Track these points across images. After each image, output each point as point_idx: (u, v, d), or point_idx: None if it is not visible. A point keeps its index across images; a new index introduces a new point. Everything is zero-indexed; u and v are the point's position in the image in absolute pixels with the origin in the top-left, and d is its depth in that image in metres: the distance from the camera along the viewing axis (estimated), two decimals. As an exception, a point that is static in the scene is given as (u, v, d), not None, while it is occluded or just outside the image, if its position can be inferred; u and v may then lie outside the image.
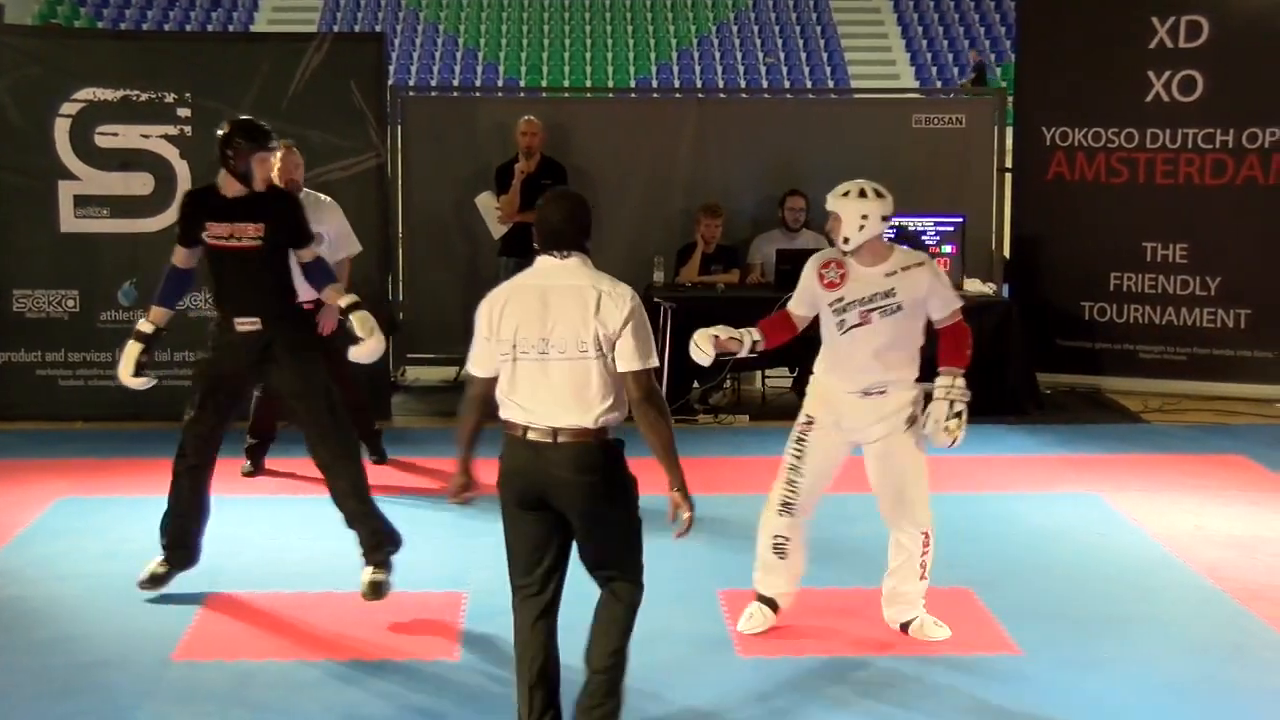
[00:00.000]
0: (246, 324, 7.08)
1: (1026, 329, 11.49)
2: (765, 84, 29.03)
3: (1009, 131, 12.72)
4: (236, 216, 7.05)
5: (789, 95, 23.21)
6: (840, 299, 6.54)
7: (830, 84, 29.40)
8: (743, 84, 28.56)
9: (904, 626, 6.81)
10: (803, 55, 30.47)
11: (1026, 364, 11.53)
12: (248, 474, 9.36)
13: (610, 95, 22.12)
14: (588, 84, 28.41)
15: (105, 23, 28.53)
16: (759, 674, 6.39)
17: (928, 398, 6.64)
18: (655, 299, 11.05)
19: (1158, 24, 12.07)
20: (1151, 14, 12.09)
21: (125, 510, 8.60)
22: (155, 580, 7.17)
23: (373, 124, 10.88)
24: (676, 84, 28.40)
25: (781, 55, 30.26)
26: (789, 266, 11.11)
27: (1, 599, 7.16)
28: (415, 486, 9.18)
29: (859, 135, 12.18)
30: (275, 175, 9.17)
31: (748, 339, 6.87)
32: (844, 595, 7.28)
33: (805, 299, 6.75)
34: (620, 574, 5.42)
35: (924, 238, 11.35)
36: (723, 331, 6.81)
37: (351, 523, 7.25)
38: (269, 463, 9.49)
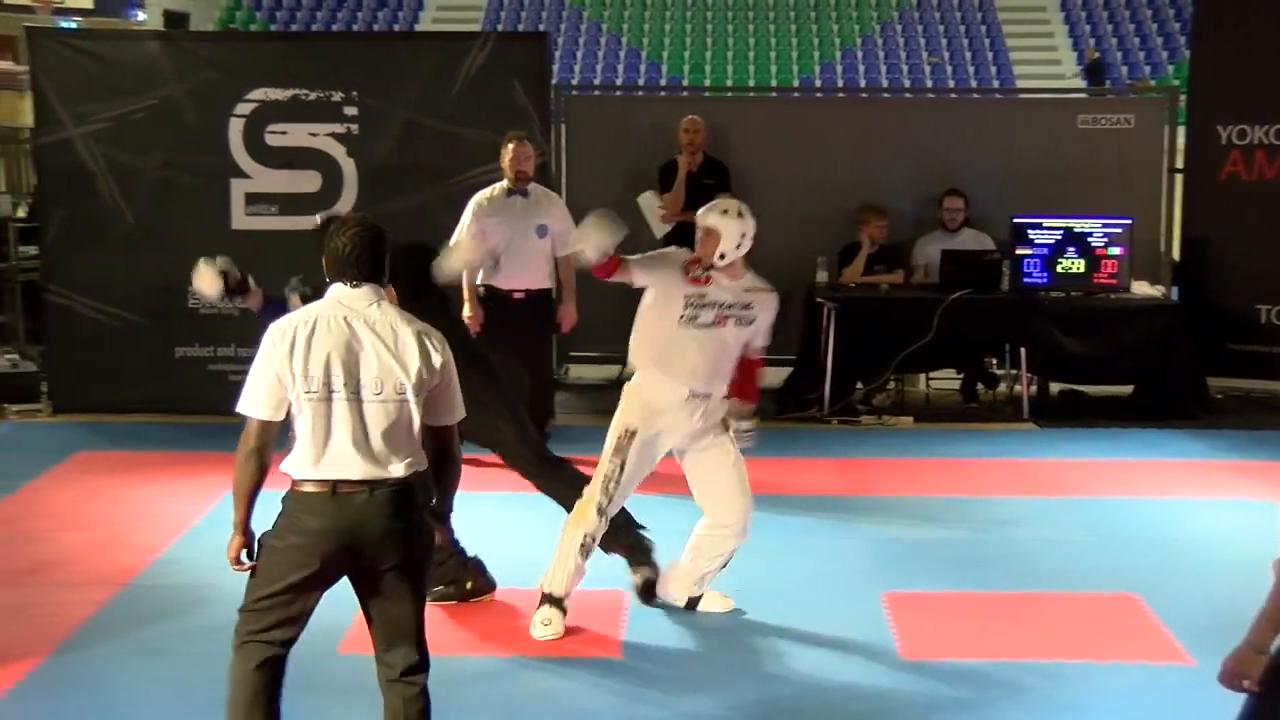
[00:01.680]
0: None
1: (1196, 332, 11.23)
2: (928, 84, 28.75)
3: (1180, 131, 12.43)
4: None
5: (952, 95, 22.95)
6: (702, 295, 6.61)
7: (994, 84, 29.04)
8: (906, 84, 28.31)
9: (691, 603, 7.04)
10: (967, 55, 30.14)
11: (1195, 368, 11.28)
12: None
13: (773, 95, 22.04)
14: (750, 83, 28.34)
15: (278, 25, 29.07)
16: (921, 677, 6.30)
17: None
18: (818, 299, 10.98)
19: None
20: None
21: (292, 504, 8.71)
22: None
23: (536, 123, 10.92)
24: (839, 84, 28.22)
25: (946, 55, 29.96)
26: (952, 267, 11.00)
27: (173, 586, 7.29)
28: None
29: (1022, 136, 12.00)
30: (506, 165, 9.43)
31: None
32: (1005, 600, 7.17)
33: (654, 273, 6.65)
34: (418, 653, 4.92)
35: (1090, 240, 11.14)
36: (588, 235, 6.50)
37: None
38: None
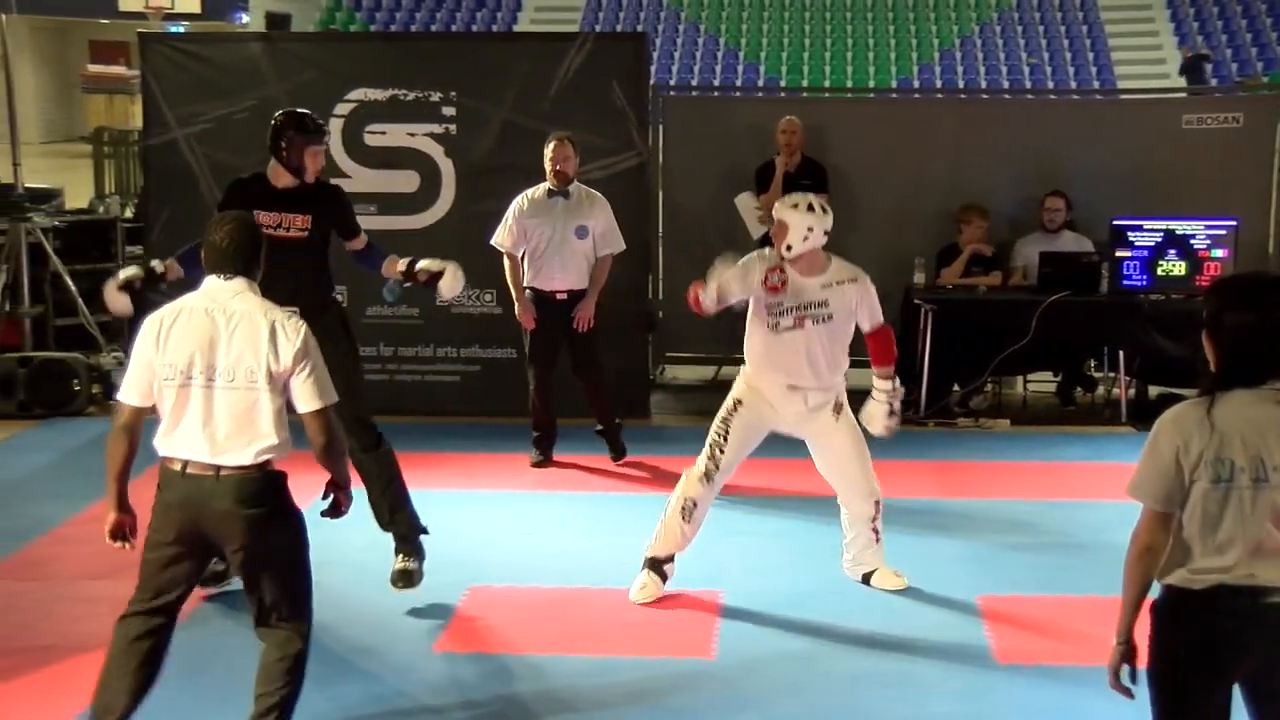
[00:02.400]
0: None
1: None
2: (1028, 84, 28.52)
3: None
4: (286, 206, 7.08)
5: (1052, 96, 22.74)
6: (779, 302, 7.01)
7: (1095, 84, 28.75)
8: (1004, 84, 28.09)
9: (865, 578, 7.41)
10: (1067, 55, 29.84)
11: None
12: (537, 464, 9.54)
13: (870, 95, 21.94)
14: (848, 84, 28.24)
15: (377, 25, 29.30)
16: (1017, 681, 6.27)
17: (865, 392, 7.36)
18: (915, 300, 10.92)
19: None
20: None
21: (388, 501, 8.79)
22: None
23: (634, 123, 10.93)
24: (938, 84, 28.06)
25: (1045, 55, 29.68)
26: (1051, 269, 10.90)
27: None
28: (670, 486, 9.17)
29: (1124, 136, 11.85)
30: (547, 165, 9.36)
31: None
32: (1103, 604, 7.03)
33: (738, 286, 7.06)
34: (285, 617, 5.11)
35: (1193, 241, 11.00)
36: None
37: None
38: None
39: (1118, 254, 10.98)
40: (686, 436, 10.35)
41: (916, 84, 28.31)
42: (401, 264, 7.40)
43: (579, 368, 9.61)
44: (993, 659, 6.52)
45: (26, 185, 12.04)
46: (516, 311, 9.57)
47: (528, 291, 9.52)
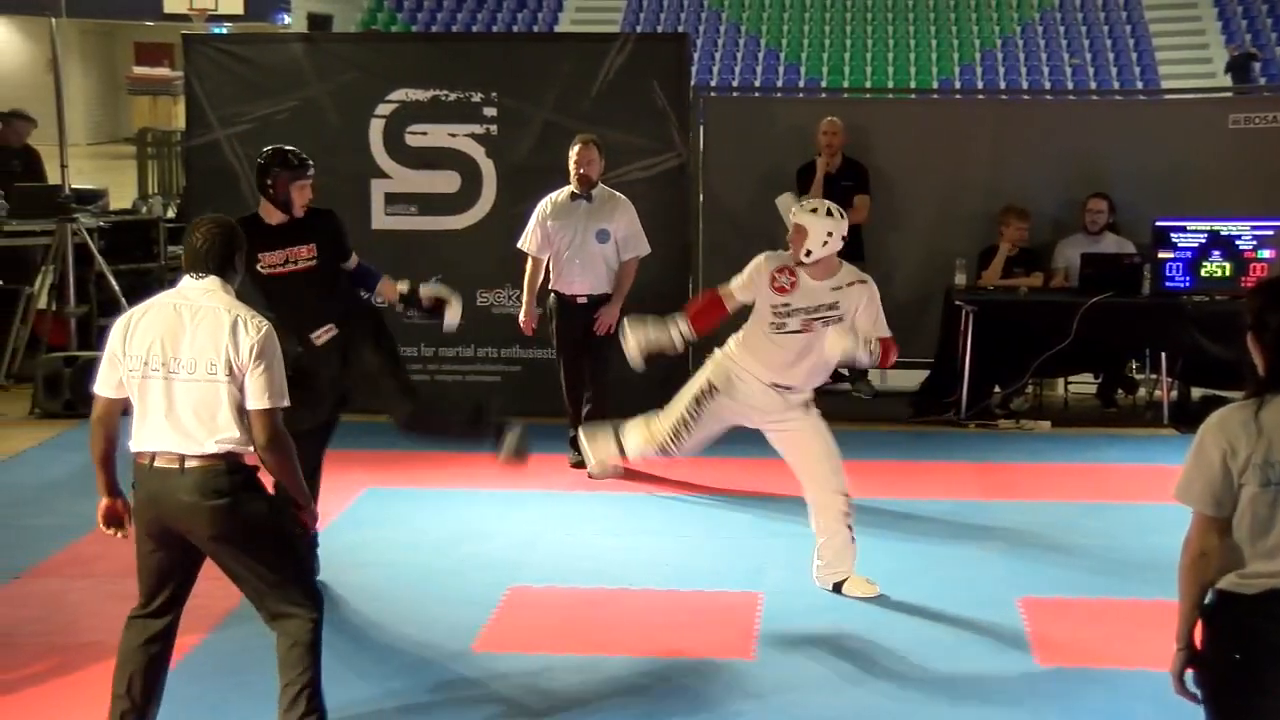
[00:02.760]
0: (323, 334, 7.22)
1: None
2: (1069, 85, 28.38)
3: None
4: (287, 241, 7.15)
5: (1094, 96, 22.61)
6: (787, 304, 7.00)
7: (1139, 84, 28.57)
8: (1046, 85, 27.95)
9: (836, 587, 7.25)
10: (1110, 55, 29.65)
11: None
12: (576, 464, 9.47)
13: (911, 96, 21.87)
14: (889, 85, 28.16)
15: (418, 26, 29.33)
16: (1058, 683, 6.24)
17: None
18: (956, 301, 10.89)
19: None
20: None
21: (428, 502, 8.83)
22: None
23: (675, 124, 10.93)
24: (979, 85, 27.94)
25: (1088, 55, 29.51)
26: (1092, 271, 10.86)
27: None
28: (712, 486, 9.19)
29: (1168, 136, 11.77)
30: (571, 168, 9.35)
31: (676, 335, 7.23)
32: (1145, 607, 7.06)
33: (750, 291, 7.13)
34: (286, 606, 5.18)
35: (1238, 242, 10.93)
36: (650, 334, 7.21)
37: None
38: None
39: (1160, 255, 10.92)
40: (727, 437, 10.36)
41: (957, 84, 28.22)
42: (402, 286, 7.56)
43: (593, 372, 9.53)
44: (1034, 661, 6.50)
45: (73, 186, 12.12)
46: (521, 315, 9.60)
47: (551, 295, 9.50)
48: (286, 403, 5.07)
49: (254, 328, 5.00)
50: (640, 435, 7.28)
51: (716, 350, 7.29)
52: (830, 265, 7.04)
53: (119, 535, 5.27)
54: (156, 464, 5.01)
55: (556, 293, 9.51)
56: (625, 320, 7.50)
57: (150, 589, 5.21)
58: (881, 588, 7.35)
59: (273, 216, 7.20)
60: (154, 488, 5.03)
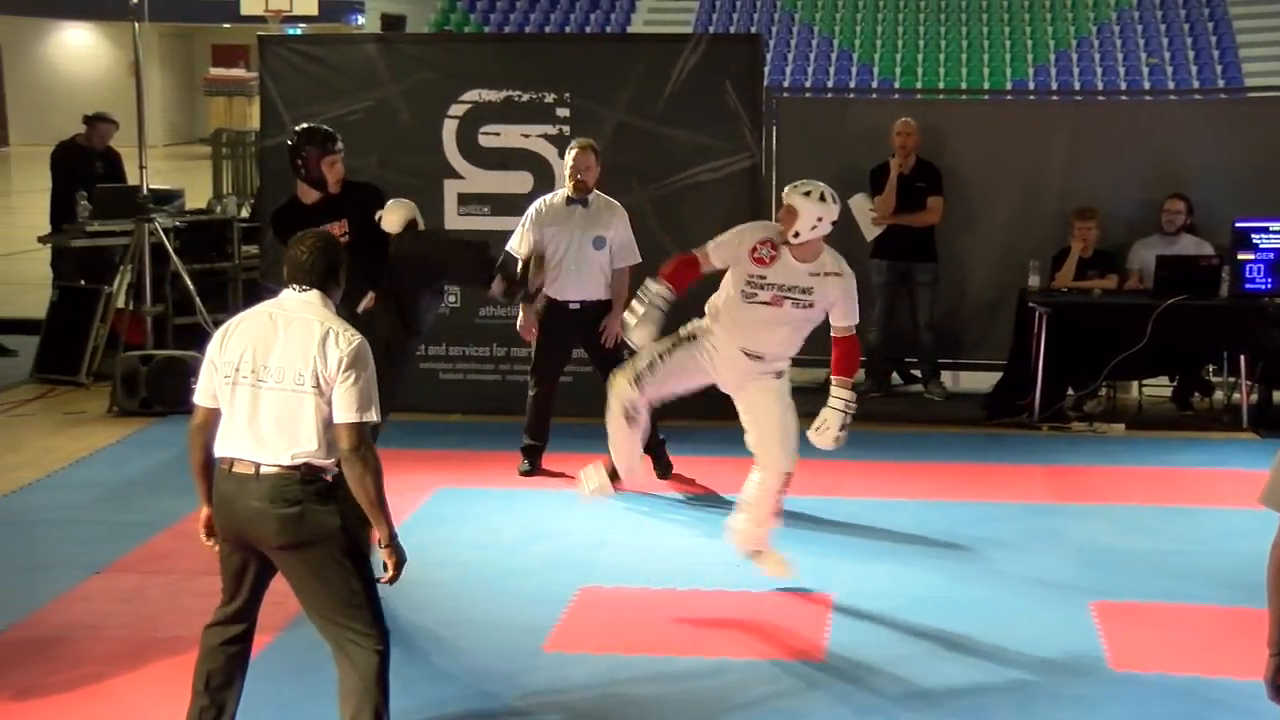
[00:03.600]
0: (365, 302, 7.32)
1: None
2: (1146, 85, 28.11)
3: None
4: (320, 219, 7.20)
5: (1172, 96, 22.38)
6: (762, 276, 7.07)
7: (1220, 83, 28.25)
8: (1122, 85, 27.70)
9: (752, 555, 7.39)
10: (1190, 54, 29.31)
11: None
12: (524, 473, 9.36)
13: (985, 98, 21.73)
14: (962, 86, 27.99)
15: (491, 27, 29.40)
16: (1132, 690, 6.19)
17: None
18: (1030, 303, 10.83)
19: None
20: None
21: (499, 502, 8.86)
22: None
23: (747, 125, 10.91)
24: (1053, 86, 27.73)
25: (1167, 55, 29.20)
26: (1168, 273, 10.75)
27: (383, 584, 7.44)
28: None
29: (1249, 135, 11.65)
30: (567, 173, 9.25)
31: (661, 304, 7.23)
32: (1225, 614, 6.99)
33: (727, 255, 7.19)
34: (350, 633, 5.06)
35: (1317, 242, 10.80)
36: (650, 325, 7.23)
37: None
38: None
39: (1240, 257, 10.80)
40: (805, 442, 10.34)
41: (1032, 86, 28.03)
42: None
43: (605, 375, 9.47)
44: (1108, 667, 6.45)
45: (151, 187, 12.25)
46: (519, 322, 9.45)
47: (543, 300, 9.35)
48: (376, 418, 4.98)
49: (345, 340, 4.96)
50: (621, 379, 7.35)
51: (692, 323, 7.41)
52: (814, 248, 7.10)
53: (214, 545, 5.25)
54: (235, 469, 5.00)
55: (546, 298, 9.31)
56: (624, 320, 7.51)
57: (229, 591, 5.23)
58: (951, 590, 7.32)
59: (308, 196, 7.35)
60: (228, 492, 5.03)
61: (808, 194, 7.04)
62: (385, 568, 5.08)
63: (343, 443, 4.91)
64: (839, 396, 7.23)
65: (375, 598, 5.10)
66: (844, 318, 7.21)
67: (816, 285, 7.09)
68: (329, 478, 5.00)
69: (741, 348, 7.19)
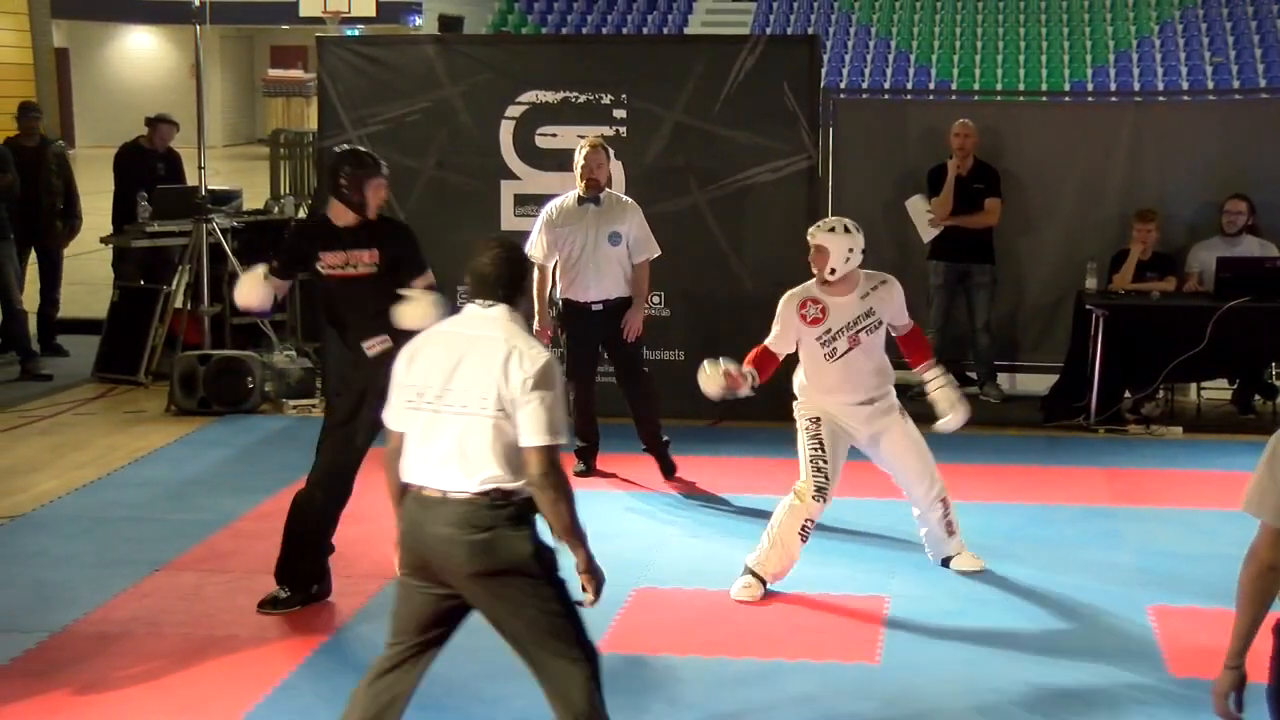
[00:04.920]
0: (376, 345, 6.94)
1: None
2: (1210, 84, 27.88)
3: None
4: (351, 244, 6.97)
5: (1237, 96, 22.20)
6: (827, 330, 7.19)
7: (1286, 82, 27.95)
8: (1184, 85, 27.49)
9: (945, 561, 7.64)
10: (1258, 51, 29.02)
11: None
12: (579, 474, 9.28)
13: (1044, 99, 21.64)
14: (1020, 87, 27.86)
15: (549, 28, 29.46)
16: (1194, 696, 6.11)
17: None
18: (1087, 305, 10.77)
19: None
20: None
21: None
22: None
23: (805, 126, 10.89)
24: (1113, 86, 27.56)
25: (1232, 54, 28.92)
26: (1229, 274, 10.67)
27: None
28: (839, 490, 9.13)
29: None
30: (578, 172, 9.17)
31: (749, 379, 7.25)
32: (1284, 619, 6.93)
33: (788, 336, 7.30)
34: (554, 659, 4.78)
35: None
36: (733, 368, 7.19)
37: None
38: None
39: (1305, 258, 10.71)
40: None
41: (1091, 86, 27.87)
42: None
43: (624, 379, 9.43)
44: (1167, 672, 6.40)
45: (210, 187, 12.34)
46: (535, 325, 9.27)
47: (561, 303, 9.35)
48: (563, 439, 4.73)
49: (529, 360, 4.69)
50: (807, 499, 7.24)
51: (795, 403, 7.47)
52: (852, 279, 7.21)
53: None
54: (422, 495, 4.78)
55: (567, 300, 9.30)
56: (706, 363, 7.28)
57: (395, 631, 4.90)
58: (1007, 592, 7.30)
59: (342, 218, 7.00)
60: (416, 516, 4.78)
61: (832, 230, 7.18)
62: (584, 590, 4.83)
63: (531, 468, 4.67)
64: (933, 378, 7.46)
65: (578, 618, 4.83)
66: (899, 317, 7.38)
67: (874, 304, 7.25)
68: (520, 500, 4.75)
69: (855, 401, 7.29)
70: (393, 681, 4.86)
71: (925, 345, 7.61)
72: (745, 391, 7.26)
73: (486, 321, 4.83)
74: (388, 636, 4.92)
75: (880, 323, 7.26)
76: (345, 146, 7.48)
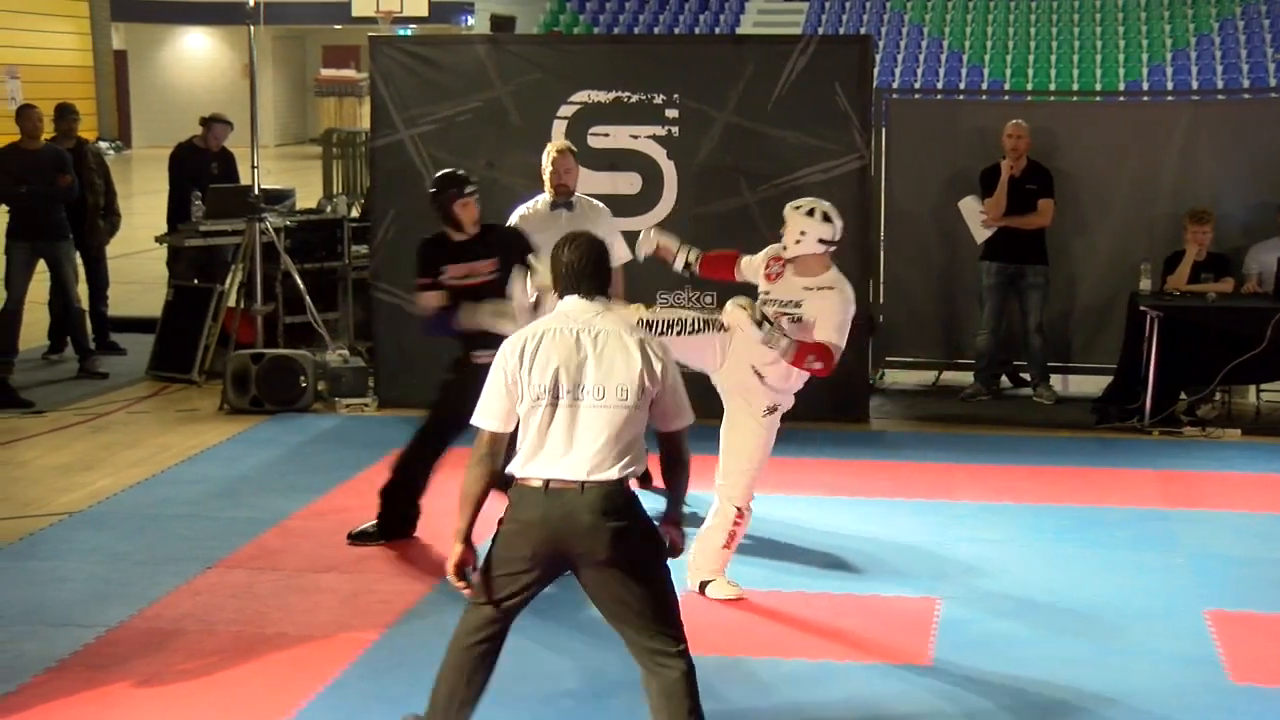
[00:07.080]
0: (484, 356, 6.79)
1: None
2: (1271, 82, 27.59)
3: None
4: (470, 256, 7.72)
5: (1295, 95, 22.02)
6: (767, 292, 7.14)
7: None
8: (1245, 83, 27.24)
9: (701, 587, 7.26)
10: (1326, 50, 28.70)
11: None
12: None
13: (1098, 99, 21.51)
14: (1074, 87, 27.69)
15: (600, 28, 29.48)
16: (1256, 704, 6.07)
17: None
18: (1141, 307, 10.68)
19: None
20: None
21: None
22: None
23: (857, 126, 10.84)
24: (1169, 85, 27.37)
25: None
26: (1291, 276, 10.57)
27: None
28: (892, 491, 9.12)
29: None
30: (547, 177, 8.99)
31: (684, 255, 7.51)
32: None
33: (754, 269, 7.30)
34: (663, 643, 5.03)
35: None
36: (672, 244, 7.49)
37: None
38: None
39: (1368, 259, 10.59)
40: (906, 442, 10.30)
41: (1146, 86, 27.69)
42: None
43: None
44: (1227, 678, 6.33)
45: (263, 186, 12.40)
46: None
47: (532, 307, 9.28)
48: (692, 419, 5.17)
49: (660, 349, 5.07)
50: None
51: None
52: (811, 265, 7.06)
53: (465, 589, 5.12)
54: (552, 487, 4.93)
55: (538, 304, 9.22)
56: (652, 228, 7.79)
57: (502, 597, 5.08)
58: (1060, 595, 7.24)
59: (456, 234, 7.74)
60: (548, 510, 4.93)
61: (798, 208, 7.12)
62: (673, 544, 5.23)
63: (682, 446, 5.17)
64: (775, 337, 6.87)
65: (677, 603, 5.14)
66: (822, 330, 6.92)
67: (807, 299, 6.99)
68: (631, 488, 5.06)
69: (751, 364, 7.05)
70: (496, 634, 5.14)
71: (811, 351, 6.87)
72: (677, 267, 7.53)
73: (594, 314, 5.07)
74: (486, 611, 5.08)
75: (800, 319, 6.94)
76: (440, 173, 8.00)
